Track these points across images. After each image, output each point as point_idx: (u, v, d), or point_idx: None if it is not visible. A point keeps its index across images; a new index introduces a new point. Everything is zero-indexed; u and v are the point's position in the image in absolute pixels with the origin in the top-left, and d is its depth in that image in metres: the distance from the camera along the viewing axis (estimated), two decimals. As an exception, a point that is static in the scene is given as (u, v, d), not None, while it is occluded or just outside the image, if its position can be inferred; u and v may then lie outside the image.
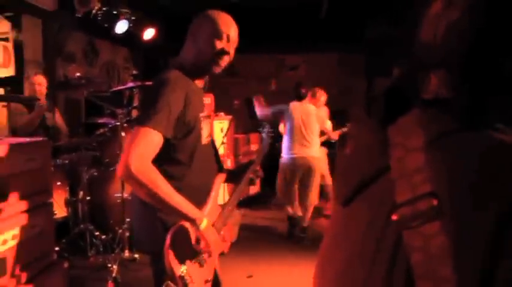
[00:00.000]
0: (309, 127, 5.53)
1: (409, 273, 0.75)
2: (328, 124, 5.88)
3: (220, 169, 2.34)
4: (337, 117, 6.41)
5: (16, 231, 2.50)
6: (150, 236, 2.04)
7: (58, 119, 4.99)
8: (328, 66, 8.81)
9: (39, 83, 4.72)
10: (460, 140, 0.76)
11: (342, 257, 0.94)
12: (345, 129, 6.10)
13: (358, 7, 7.16)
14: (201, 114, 2.05)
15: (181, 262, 1.83)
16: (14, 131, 4.58)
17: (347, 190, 0.94)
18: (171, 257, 1.78)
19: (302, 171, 5.53)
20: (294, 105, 5.62)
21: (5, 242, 2.39)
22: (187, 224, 1.85)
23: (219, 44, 2.01)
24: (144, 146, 1.75)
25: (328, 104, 6.25)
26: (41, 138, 2.87)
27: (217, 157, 2.35)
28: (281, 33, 7.80)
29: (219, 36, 2.02)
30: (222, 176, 2.27)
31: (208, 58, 2.02)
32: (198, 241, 1.91)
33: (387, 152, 0.83)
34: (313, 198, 5.63)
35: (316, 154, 5.60)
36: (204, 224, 1.87)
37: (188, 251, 1.88)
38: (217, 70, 2.07)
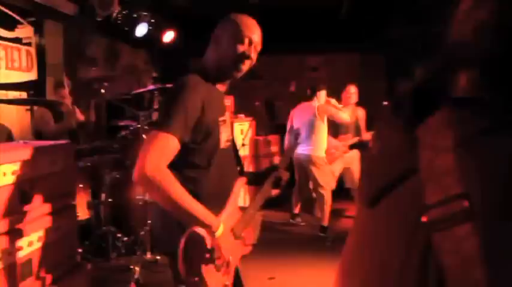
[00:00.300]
0: (306, 126, 5.63)
1: (441, 276, 0.73)
2: (344, 116, 5.78)
3: (241, 172, 2.32)
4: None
5: (41, 233, 2.53)
6: (168, 238, 2.03)
7: (79, 115, 5.05)
8: (349, 66, 8.74)
9: (66, 96, 4.79)
10: (492, 141, 0.74)
11: (369, 259, 0.92)
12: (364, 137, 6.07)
13: (379, 7, 7.10)
14: (221, 119, 2.04)
15: (196, 266, 1.82)
16: (38, 135, 4.64)
17: (373, 191, 0.92)
18: (184, 261, 1.77)
19: (303, 170, 5.65)
20: (298, 107, 5.84)
21: (30, 243, 2.42)
22: (200, 229, 1.83)
23: (241, 48, 2.00)
24: (159, 150, 1.75)
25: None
26: (64, 142, 2.89)
27: (239, 160, 2.33)
28: (301, 34, 7.77)
29: (241, 40, 2.00)
30: (242, 180, 2.25)
31: (229, 62, 2.01)
32: (213, 247, 1.89)
33: (415, 152, 0.81)
34: (326, 198, 5.63)
35: (316, 153, 5.63)
36: (219, 231, 1.85)
37: (203, 255, 1.85)
38: (238, 75, 2.06)
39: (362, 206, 0.97)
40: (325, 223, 5.60)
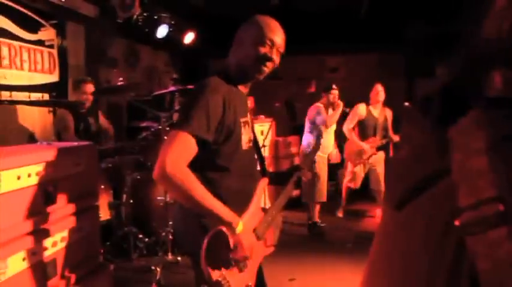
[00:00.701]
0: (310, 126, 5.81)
1: (474, 280, 0.71)
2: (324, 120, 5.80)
3: (264, 172, 2.31)
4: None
5: (64, 233, 2.54)
6: (191, 238, 2.02)
7: (103, 121, 5.07)
8: (368, 67, 8.68)
9: (90, 92, 4.77)
10: None
11: (397, 261, 0.90)
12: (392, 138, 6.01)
13: (398, 7, 7.04)
14: (242, 120, 2.03)
15: (218, 266, 1.81)
16: (58, 136, 4.68)
17: (401, 193, 0.90)
18: (207, 262, 1.77)
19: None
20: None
21: (54, 244, 2.44)
22: (225, 229, 1.82)
23: (262, 50, 1.99)
24: (179, 150, 1.75)
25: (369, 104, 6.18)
26: (87, 143, 2.90)
27: (261, 160, 2.32)
28: (321, 34, 7.74)
29: (263, 42, 2.00)
30: (265, 181, 2.24)
31: (251, 64, 2.01)
32: (235, 246, 1.88)
33: (446, 154, 0.78)
34: (317, 195, 5.75)
35: (321, 153, 5.60)
36: (239, 228, 1.84)
37: (226, 255, 1.85)
38: (260, 76, 2.06)
39: (389, 209, 0.95)
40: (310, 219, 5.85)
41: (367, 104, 6.09)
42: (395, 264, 0.90)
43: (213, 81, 1.95)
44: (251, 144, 2.15)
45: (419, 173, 0.87)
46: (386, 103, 6.17)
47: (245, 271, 1.94)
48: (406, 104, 5.87)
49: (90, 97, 4.76)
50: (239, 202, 1.99)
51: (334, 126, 5.83)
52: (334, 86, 5.76)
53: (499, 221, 0.68)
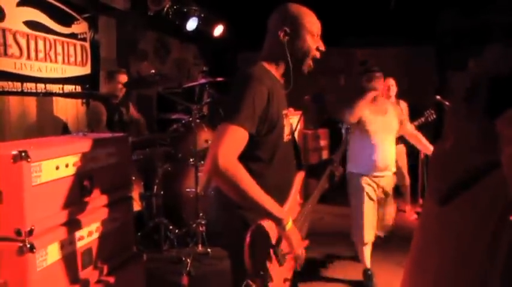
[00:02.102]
0: None
1: None
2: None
3: (300, 165, 2.30)
4: (409, 111, 6.24)
5: (99, 224, 2.58)
6: (228, 232, 2.04)
7: (133, 112, 5.12)
8: (398, 59, 8.56)
9: (122, 83, 4.82)
10: None
11: (443, 255, 0.89)
12: (421, 120, 5.86)
13: (428, 0, 6.93)
14: (284, 111, 2.02)
15: (262, 260, 1.81)
16: (90, 127, 4.75)
17: (446, 189, 0.88)
18: (251, 256, 1.76)
19: None
20: None
21: (90, 233, 2.48)
22: (265, 223, 1.82)
23: (315, 43, 2.03)
24: (231, 143, 1.75)
25: (399, 98, 6.12)
26: (121, 134, 2.94)
27: (298, 153, 2.32)
28: (350, 27, 7.67)
29: (313, 34, 2.03)
30: (302, 174, 2.24)
31: (301, 57, 2.04)
32: (278, 240, 1.88)
33: (494, 146, 0.77)
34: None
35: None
36: (289, 224, 1.84)
37: (268, 249, 1.85)
38: (307, 69, 2.09)
39: (432, 204, 0.93)
40: None
41: None
42: (441, 257, 0.89)
43: (257, 72, 1.94)
44: (290, 137, 2.15)
45: (466, 166, 0.85)
46: (417, 95, 6.10)
47: (284, 265, 1.94)
48: (438, 97, 5.76)
49: (123, 88, 4.81)
50: (279, 195, 1.98)
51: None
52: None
53: None
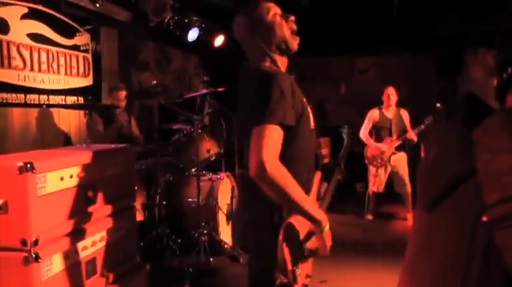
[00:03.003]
0: None
1: (505, 272, 0.73)
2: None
3: (317, 166, 2.33)
4: (410, 119, 6.30)
5: (103, 233, 2.62)
6: (256, 233, 2.05)
7: (134, 128, 5.17)
8: (399, 68, 8.60)
9: (122, 99, 4.92)
10: None
11: (433, 259, 0.92)
12: (421, 128, 5.95)
13: (429, 7, 6.97)
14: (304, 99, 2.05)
15: (294, 256, 1.85)
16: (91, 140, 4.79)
17: (431, 196, 0.91)
18: (285, 252, 1.80)
19: None
20: None
21: (94, 243, 2.51)
22: (294, 221, 1.84)
23: (288, 25, 2.09)
24: (272, 145, 1.75)
25: (399, 106, 6.20)
26: (124, 145, 2.98)
27: (316, 154, 2.34)
28: (351, 35, 7.72)
29: (284, 20, 2.09)
30: (319, 174, 2.26)
31: (288, 41, 2.07)
32: (305, 237, 1.91)
33: (473, 154, 0.80)
34: None
35: None
36: (327, 227, 1.88)
37: (299, 246, 1.89)
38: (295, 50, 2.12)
39: (420, 211, 0.96)
40: None
41: (379, 107, 6.22)
42: (432, 261, 0.93)
43: (275, 70, 1.99)
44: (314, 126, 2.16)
45: (447, 173, 0.89)
46: (419, 104, 6.17)
47: (308, 261, 1.98)
48: (438, 105, 5.82)
49: (123, 103, 4.90)
50: (305, 190, 1.98)
51: None
52: None
53: None
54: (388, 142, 6.06)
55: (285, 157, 1.85)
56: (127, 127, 5.03)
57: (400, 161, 6.13)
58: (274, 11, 2.10)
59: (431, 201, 0.93)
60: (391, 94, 6.16)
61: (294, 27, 2.11)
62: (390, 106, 6.15)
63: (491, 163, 0.78)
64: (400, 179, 6.12)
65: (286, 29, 2.08)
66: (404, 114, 6.23)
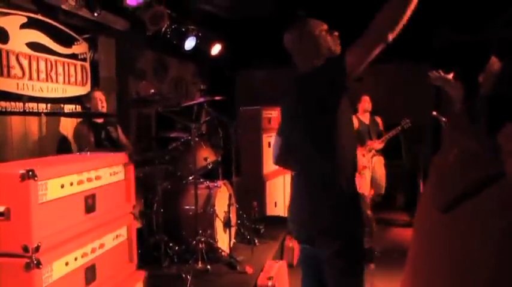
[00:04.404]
0: None
1: None
2: None
3: None
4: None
5: (103, 240, 2.64)
6: (346, 224, 2.27)
7: (122, 137, 5.18)
8: (394, 76, 8.65)
9: (100, 99, 4.95)
10: None
11: (446, 262, 0.93)
12: (393, 133, 6.34)
13: (424, 16, 7.03)
14: None
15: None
16: (79, 146, 4.81)
17: (450, 197, 0.92)
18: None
19: None
20: None
21: (93, 250, 2.54)
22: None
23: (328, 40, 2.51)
24: None
25: (395, 114, 6.31)
26: (124, 153, 3.01)
27: None
28: (346, 44, 7.76)
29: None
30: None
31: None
32: None
33: (497, 158, 0.81)
34: None
35: None
36: None
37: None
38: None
39: (433, 211, 0.97)
40: None
41: (355, 114, 6.62)
42: (444, 264, 0.94)
43: None
44: None
45: (470, 177, 0.90)
46: (413, 111, 6.31)
47: None
48: (434, 113, 5.87)
49: (104, 106, 4.94)
50: None
51: None
52: None
53: None
54: (369, 145, 6.33)
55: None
56: (114, 132, 5.05)
57: (379, 163, 6.47)
58: (321, 27, 2.48)
59: (449, 202, 0.95)
60: (367, 102, 6.67)
61: (337, 40, 2.52)
62: (365, 113, 6.48)
63: None
64: (377, 180, 6.45)
65: (330, 41, 2.46)
66: (378, 120, 6.77)
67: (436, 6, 6.61)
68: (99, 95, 4.99)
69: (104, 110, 4.98)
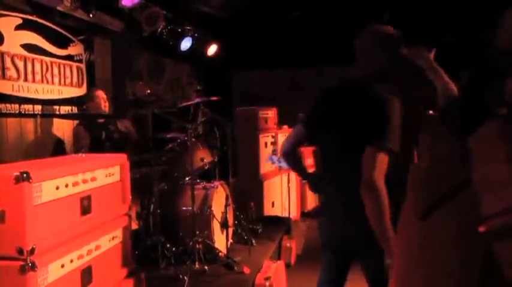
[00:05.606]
0: None
1: (503, 282, 0.74)
2: None
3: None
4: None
5: (99, 242, 2.63)
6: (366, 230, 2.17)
7: (121, 127, 5.11)
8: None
9: (103, 98, 4.91)
10: None
11: (425, 265, 0.93)
12: None
13: (422, 18, 7.05)
14: None
15: None
16: (76, 148, 4.78)
17: (426, 204, 0.92)
18: None
19: None
20: None
21: (89, 252, 2.53)
22: None
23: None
24: (382, 168, 2.07)
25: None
26: (120, 154, 3.00)
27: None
28: (343, 45, 7.77)
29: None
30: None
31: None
32: None
33: (469, 163, 0.81)
34: None
35: None
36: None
37: None
38: None
39: (412, 218, 0.97)
40: None
41: None
42: (423, 268, 0.94)
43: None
44: None
45: (443, 183, 0.90)
46: (410, 112, 6.24)
47: None
48: (430, 112, 5.87)
49: (107, 103, 4.91)
50: None
51: None
52: None
53: None
54: None
55: None
56: (115, 131, 5.02)
57: None
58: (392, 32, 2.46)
59: (426, 209, 0.94)
60: None
61: None
62: None
63: (488, 173, 0.79)
64: None
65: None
66: None
67: (436, 7, 6.64)
68: (101, 94, 4.95)
69: (107, 109, 4.95)
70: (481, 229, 0.76)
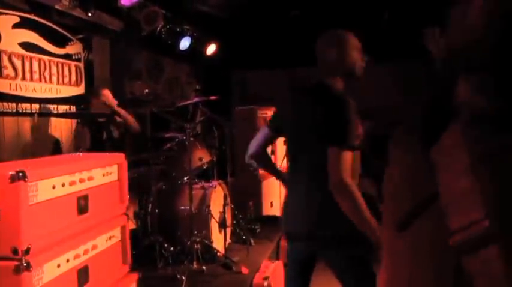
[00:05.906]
0: None
1: None
2: None
3: None
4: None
5: (96, 241, 2.61)
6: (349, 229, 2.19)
7: (119, 120, 5.06)
8: (388, 78, 8.63)
9: (109, 97, 4.89)
10: (508, 158, 0.73)
11: (403, 278, 0.91)
12: None
13: (418, 18, 7.03)
14: None
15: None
16: (76, 147, 4.77)
17: (400, 215, 0.90)
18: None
19: None
20: None
21: (86, 252, 2.51)
22: None
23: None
24: (348, 167, 2.13)
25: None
26: (118, 153, 2.98)
27: None
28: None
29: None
30: None
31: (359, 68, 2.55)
32: None
33: (434, 176, 0.79)
34: None
35: None
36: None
37: None
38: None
39: (391, 230, 0.95)
40: None
41: None
42: (402, 280, 0.92)
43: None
44: None
45: (415, 196, 0.87)
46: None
47: None
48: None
49: (114, 102, 4.88)
50: None
51: None
52: None
53: (488, 240, 0.69)
54: None
55: None
56: (116, 130, 5.00)
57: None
58: (357, 42, 2.60)
59: (401, 222, 0.92)
60: None
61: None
62: None
63: (452, 185, 0.77)
64: None
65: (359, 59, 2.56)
66: None
67: (436, 7, 6.61)
68: (107, 92, 4.94)
69: (115, 103, 4.94)
70: (450, 242, 0.74)
